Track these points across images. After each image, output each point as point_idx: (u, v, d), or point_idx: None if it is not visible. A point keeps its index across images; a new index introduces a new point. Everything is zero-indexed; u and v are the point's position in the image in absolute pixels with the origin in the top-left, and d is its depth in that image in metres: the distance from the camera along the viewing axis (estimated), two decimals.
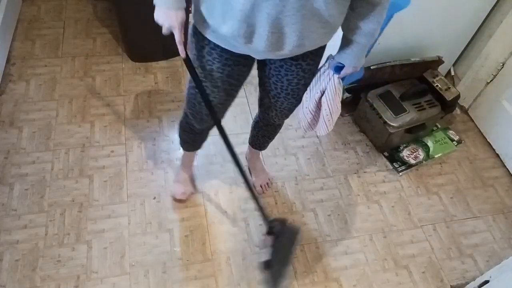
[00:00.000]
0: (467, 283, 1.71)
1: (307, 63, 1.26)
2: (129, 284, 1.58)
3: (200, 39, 1.20)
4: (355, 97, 2.20)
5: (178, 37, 1.14)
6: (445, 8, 1.96)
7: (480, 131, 2.30)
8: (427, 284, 1.73)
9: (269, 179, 1.92)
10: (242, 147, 1.94)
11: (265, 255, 1.58)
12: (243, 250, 1.72)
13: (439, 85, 2.09)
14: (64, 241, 1.65)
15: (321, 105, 1.36)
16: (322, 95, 1.33)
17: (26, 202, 1.73)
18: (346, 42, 1.20)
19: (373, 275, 1.73)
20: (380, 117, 2.01)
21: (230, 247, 1.72)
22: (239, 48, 1.15)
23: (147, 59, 2.31)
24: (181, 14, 1.11)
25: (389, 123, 1.98)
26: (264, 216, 1.57)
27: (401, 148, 2.15)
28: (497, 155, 2.21)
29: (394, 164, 2.09)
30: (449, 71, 2.44)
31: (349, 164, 2.07)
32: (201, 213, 1.80)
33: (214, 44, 1.18)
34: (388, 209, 1.93)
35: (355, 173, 2.04)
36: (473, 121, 2.35)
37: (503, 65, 2.10)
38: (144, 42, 2.20)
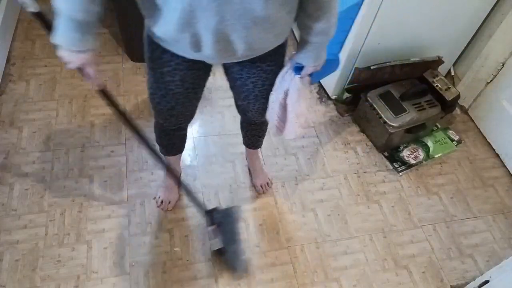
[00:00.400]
0: (467, 283, 1.71)
1: (267, 64, 1.23)
2: (129, 284, 1.58)
3: (151, 41, 1.17)
4: (355, 97, 2.20)
5: (90, 74, 1.10)
6: (445, 8, 1.96)
7: (480, 131, 2.30)
8: (427, 284, 1.73)
9: (269, 179, 1.92)
10: (242, 147, 1.94)
11: (216, 245, 1.62)
12: (243, 250, 1.72)
13: (439, 85, 2.09)
14: (64, 241, 1.65)
15: (286, 108, 1.31)
16: (286, 96, 1.28)
17: (26, 202, 1.73)
18: (302, 42, 1.18)
19: (373, 275, 1.73)
20: (380, 117, 2.01)
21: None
22: (190, 55, 1.11)
23: None
24: (87, 57, 1.05)
25: (389, 123, 1.98)
26: (200, 208, 1.62)
27: (401, 148, 2.15)
28: (497, 155, 2.21)
29: (394, 164, 2.09)
30: (449, 71, 2.44)
31: (349, 164, 2.07)
32: (201, 213, 1.80)
33: (164, 48, 1.14)
34: (388, 209, 1.93)
35: (355, 173, 2.04)
36: (473, 121, 2.35)
37: (503, 65, 2.10)
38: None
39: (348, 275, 1.71)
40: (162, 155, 1.60)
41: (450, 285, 1.74)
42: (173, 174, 1.59)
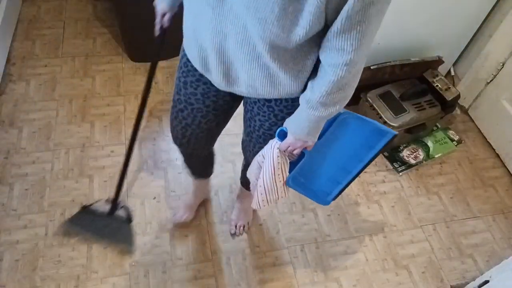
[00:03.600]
0: (467, 283, 1.71)
1: (279, 109, 1.10)
2: (129, 284, 1.58)
3: (183, 48, 1.15)
4: (355, 97, 2.19)
5: (158, 19, 1.23)
6: (445, 8, 1.96)
7: (480, 131, 2.30)
8: (427, 284, 1.73)
9: (248, 223, 1.78)
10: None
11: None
12: (243, 250, 1.72)
13: (439, 85, 2.09)
14: (64, 241, 1.65)
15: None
16: (263, 161, 1.12)
17: (26, 202, 1.73)
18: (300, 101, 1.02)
19: (373, 275, 1.73)
20: (380, 117, 2.01)
21: (230, 247, 1.72)
22: (200, 70, 1.07)
23: (147, 59, 2.31)
24: (162, 4, 1.19)
25: (389, 123, 1.98)
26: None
27: (401, 148, 2.15)
28: (497, 155, 2.21)
29: (394, 164, 2.09)
30: (449, 71, 2.44)
31: None
32: (201, 213, 1.80)
33: (187, 58, 1.12)
34: (388, 209, 1.93)
35: None
36: (473, 121, 2.35)
37: (503, 65, 2.10)
38: (144, 42, 2.19)
39: (348, 275, 1.71)
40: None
41: (450, 285, 1.74)
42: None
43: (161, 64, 2.32)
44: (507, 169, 2.15)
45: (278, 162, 1.08)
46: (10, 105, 2.03)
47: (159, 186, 1.86)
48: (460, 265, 1.80)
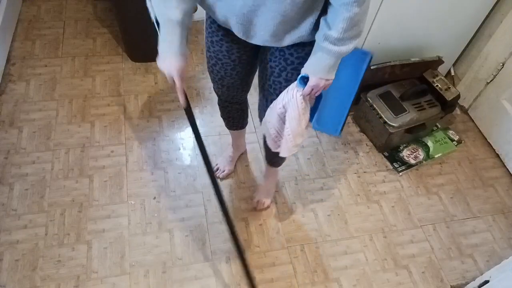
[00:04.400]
0: (467, 283, 1.71)
1: (290, 52, 1.18)
2: (129, 284, 1.58)
3: (207, 15, 1.25)
4: (355, 97, 2.20)
5: (177, 84, 1.16)
6: (445, 8, 1.96)
7: (480, 131, 2.30)
8: (427, 284, 1.73)
9: (269, 203, 1.85)
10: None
11: None
12: (243, 250, 1.72)
13: (439, 85, 2.09)
14: (64, 241, 1.65)
15: (284, 123, 1.22)
16: (286, 111, 1.19)
17: (26, 202, 1.73)
18: (315, 45, 1.10)
19: (373, 275, 1.73)
20: (380, 117, 2.01)
21: (230, 247, 1.72)
22: (222, 22, 1.17)
23: (147, 59, 2.31)
24: (179, 60, 1.12)
25: (389, 123, 1.98)
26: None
27: (401, 148, 2.15)
28: (497, 155, 2.21)
29: (394, 164, 2.09)
30: (449, 71, 2.44)
31: (349, 164, 2.07)
32: (201, 213, 1.80)
33: (213, 18, 1.20)
34: (388, 209, 1.93)
35: (355, 173, 2.04)
36: (473, 121, 2.35)
37: (503, 65, 2.10)
38: (144, 42, 2.20)
39: (348, 275, 1.71)
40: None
41: (450, 285, 1.74)
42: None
43: None
44: (507, 169, 2.15)
45: (303, 108, 1.17)
46: (10, 105, 2.03)
47: (159, 186, 1.86)
48: (460, 265, 1.80)
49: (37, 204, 1.74)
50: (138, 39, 2.21)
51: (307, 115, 1.21)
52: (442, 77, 2.12)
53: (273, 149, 1.35)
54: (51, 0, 2.55)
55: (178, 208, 1.80)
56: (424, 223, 1.91)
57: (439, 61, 2.17)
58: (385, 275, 1.73)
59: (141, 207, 1.79)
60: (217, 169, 1.92)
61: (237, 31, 1.13)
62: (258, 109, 1.49)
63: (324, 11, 1.05)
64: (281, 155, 1.32)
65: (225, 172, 1.91)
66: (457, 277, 1.77)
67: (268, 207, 1.85)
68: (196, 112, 2.11)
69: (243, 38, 1.16)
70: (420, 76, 2.14)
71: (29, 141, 1.92)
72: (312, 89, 1.14)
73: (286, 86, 1.21)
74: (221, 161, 1.93)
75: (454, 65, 2.42)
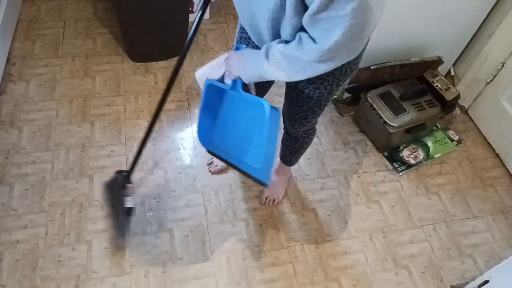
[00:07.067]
0: (467, 283, 1.71)
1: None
2: (129, 284, 1.58)
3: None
4: (355, 97, 2.20)
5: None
6: (445, 8, 1.96)
7: (480, 131, 2.30)
8: (427, 284, 1.73)
9: (279, 198, 1.87)
10: None
11: (130, 203, 1.63)
12: (243, 250, 1.72)
13: (439, 85, 2.09)
14: (64, 241, 1.65)
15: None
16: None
17: (26, 202, 1.74)
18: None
19: (373, 275, 1.73)
20: (380, 117, 2.01)
21: (230, 247, 1.72)
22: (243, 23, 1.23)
23: (147, 59, 2.31)
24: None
25: (389, 123, 1.98)
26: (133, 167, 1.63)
27: (401, 148, 2.15)
28: (497, 155, 2.21)
29: (394, 164, 2.09)
30: (449, 71, 2.44)
31: (349, 164, 2.07)
32: (201, 213, 1.80)
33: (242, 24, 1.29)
34: (388, 209, 1.93)
35: (355, 173, 2.04)
36: (473, 121, 2.35)
37: (503, 65, 2.10)
38: (144, 42, 2.20)
39: (348, 275, 1.71)
40: None
41: (450, 285, 1.75)
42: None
43: (161, 64, 2.32)
44: (507, 169, 2.15)
45: (220, 59, 1.28)
46: (10, 105, 2.03)
47: (159, 186, 1.86)
48: (460, 265, 1.81)
49: (37, 204, 1.74)
50: (138, 39, 2.21)
51: (216, 70, 1.30)
52: (442, 77, 2.13)
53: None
54: (51, 0, 2.55)
55: (178, 208, 1.80)
56: (424, 223, 1.91)
57: (439, 61, 2.17)
58: (385, 275, 1.74)
59: (141, 207, 1.78)
60: (211, 163, 1.93)
61: (250, 34, 1.21)
62: (283, 114, 1.53)
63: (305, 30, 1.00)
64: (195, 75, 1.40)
65: (217, 167, 1.92)
66: (457, 277, 1.77)
67: (278, 201, 1.88)
68: (195, 112, 2.11)
69: (255, 42, 1.22)
70: (420, 76, 2.14)
71: (29, 141, 1.92)
72: (230, 60, 1.23)
73: (308, 100, 1.32)
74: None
75: (454, 65, 2.42)
